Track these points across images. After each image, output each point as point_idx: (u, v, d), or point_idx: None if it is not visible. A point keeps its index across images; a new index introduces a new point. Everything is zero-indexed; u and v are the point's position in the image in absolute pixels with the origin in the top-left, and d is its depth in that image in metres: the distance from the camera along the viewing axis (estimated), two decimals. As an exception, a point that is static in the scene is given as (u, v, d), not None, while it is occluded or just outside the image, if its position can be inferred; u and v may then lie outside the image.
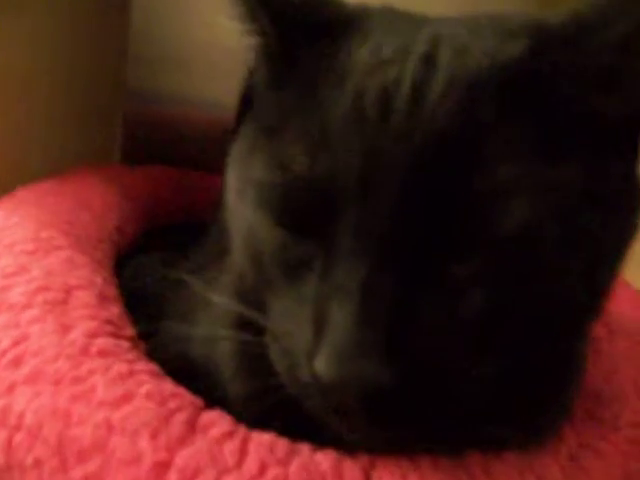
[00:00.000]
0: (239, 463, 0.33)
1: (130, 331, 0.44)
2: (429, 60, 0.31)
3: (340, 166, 0.30)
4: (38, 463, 0.35)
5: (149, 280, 0.59)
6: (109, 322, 0.43)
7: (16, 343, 0.39)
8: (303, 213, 0.31)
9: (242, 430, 0.36)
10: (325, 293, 0.30)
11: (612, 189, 0.33)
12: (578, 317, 0.35)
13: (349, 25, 0.34)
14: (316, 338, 0.29)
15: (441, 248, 0.29)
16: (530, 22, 0.33)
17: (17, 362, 0.38)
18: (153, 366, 0.40)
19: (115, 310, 0.46)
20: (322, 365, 0.28)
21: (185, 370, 0.42)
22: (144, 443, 0.34)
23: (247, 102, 0.39)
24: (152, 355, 0.43)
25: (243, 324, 0.37)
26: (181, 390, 0.38)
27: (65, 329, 0.40)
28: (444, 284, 0.30)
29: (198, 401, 0.38)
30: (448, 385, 0.31)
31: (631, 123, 0.34)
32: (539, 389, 0.38)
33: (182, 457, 0.33)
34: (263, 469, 0.33)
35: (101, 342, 0.40)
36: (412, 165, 0.29)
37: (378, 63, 0.32)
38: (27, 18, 0.68)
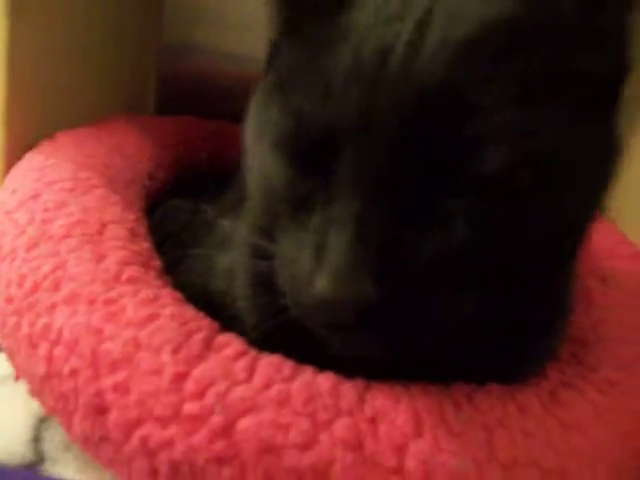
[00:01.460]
0: (248, 378, 0.38)
1: (157, 263, 0.49)
2: (425, 20, 0.34)
3: (341, 112, 0.33)
4: (74, 373, 0.40)
5: (176, 222, 0.63)
6: (139, 254, 0.48)
7: (56, 268, 0.44)
8: (310, 153, 0.35)
9: (253, 351, 0.41)
10: (325, 224, 0.34)
11: (590, 138, 0.36)
12: (557, 255, 0.38)
13: None
14: (316, 262, 0.33)
15: (428, 185, 0.33)
16: None
17: (56, 285, 0.43)
18: (177, 293, 0.45)
19: (144, 245, 0.50)
20: (321, 284, 0.32)
21: (206, 302, 0.46)
22: (166, 357, 0.38)
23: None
24: (176, 288, 0.48)
25: (258, 254, 0.41)
26: (201, 314, 0.43)
27: (99, 257, 0.45)
28: (432, 217, 0.33)
29: (215, 325, 0.43)
30: (432, 308, 0.34)
31: (612, 78, 0.36)
32: (522, 328, 0.41)
33: (199, 370, 0.38)
34: (269, 384, 0.38)
35: (131, 270, 0.45)
36: (405, 112, 0.32)
37: (377, 22, 0.34)
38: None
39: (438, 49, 0.32)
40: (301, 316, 0.36)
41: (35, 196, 0.51)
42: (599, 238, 0.70)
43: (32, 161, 0.59)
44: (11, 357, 0.46)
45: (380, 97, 0.32)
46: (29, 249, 0.46)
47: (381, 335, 0.34)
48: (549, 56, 0.34)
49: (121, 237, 0.48)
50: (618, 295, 0.58)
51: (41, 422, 0.50)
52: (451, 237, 0.33)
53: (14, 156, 0.63)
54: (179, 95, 1.07)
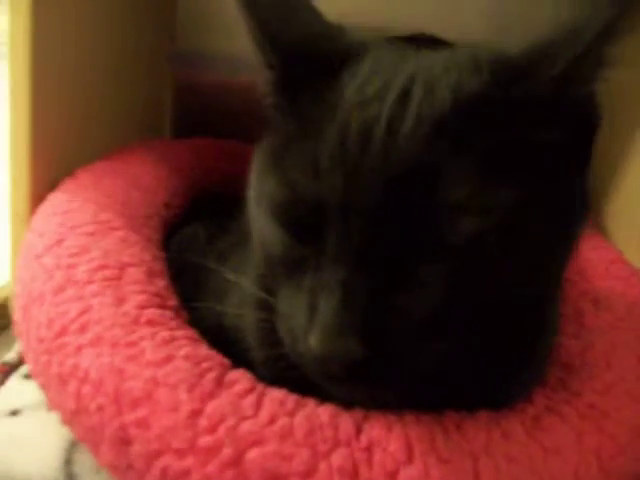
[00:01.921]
0: (255, 413, 0.42)
1: (174, 302, 0.53)
2: (404, 98, 0.37)
3: (328, 188, 0.37)
4: (100, 408, 0.44)
5: (192, 255, 0.67)
6: (156, 295, 0.52)
7: (81, 313, 0.48)
8: (302, 224, 0.39)
9: (260, 387, 0.45)
10: (316, 287, 0.38)
11: (558, 202, 0.39)
12: (529, 301, 0.41)
13: (344, 62, 0.40)
14: (309, 321, 0.37)
15: (406, 253, 0.37)
16: (493, 55, 0.39)
17: (82, 328, 0.48)
18: (191, 332, 0.50)
19: (161, 283, 0.55)
20: (313, 342, 0.36)
21: (221, 338, 0.51)
22: (182, 395, 0.43)
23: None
24: (194, 325, 0.52)
25: (262, 305, 0.45)
26: (213, 353, 0.47)
27: (120, 301, 0.50)
28: (412, 280, 0.37)
29: (226, 362, 0.47)
30: (414, 357, 0.38)
31: (577, 145, 0.40)
32: (506, 358, 0.45)
33: (211, 407, 0.42)
34: (274, 419, 0.42)
35: (149, 313, 0.49)
36: (384, 189, 0.36)
37: (362, 101, 0.38)
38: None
39: (414, 128, 0.36)
40: (299, 365, 0.40)
41: (60, 241, 0.55)
42: (595, 256, 0.73)
43: (55, 203, 0.63)
44: (44, 390, 0.51)
45: (362, 175, 0.36)
46: (56, 293, 0.50)
47: (370, 385, 0.38)
48: (516, 129, 0.37)
49: (139, 280, 0.52)
50: (609, 317, 0.60)
51: (72, 446, 0.55)
52: (429, 297, 0.37)
53: (39, 191, 0.67)
54: (195, 106, 1.09)
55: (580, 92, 0.38)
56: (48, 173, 0.69)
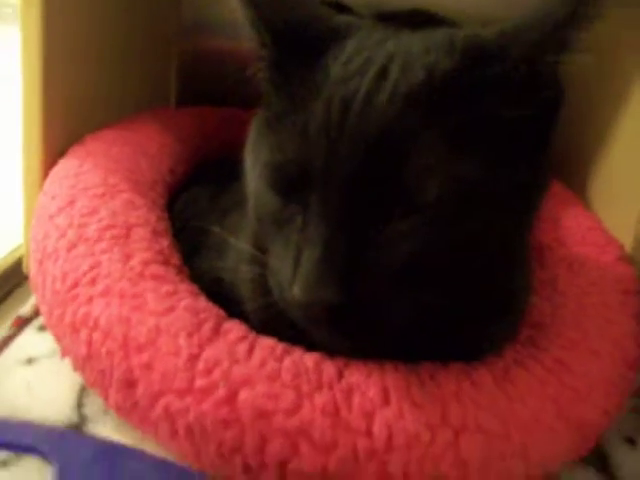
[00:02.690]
0: (247, 358, 0.47)
1: (176, 259, 0.58)
2: (382, 74, 0.41)
3: (313, 156, 0.41)
4: (110, 353, 0.49)
5: (193, 212, 0.72)
6: (160, 252, 0.57)
7: (92, 267, 0.53)
8: (290, 185, 0.43)
9: (252, 335, 0.49)
10: (301, 243, 0.42)
11: (522, 174, 0.42)
12: (495, 261, 0.46)
13: (330, 43, 0.44)
14: (294, 272, 0.42)
15: (380, 213, 0.41)
16: (468, 36, 0.42)
17: (93, 282, 0.52)
18: (192, 287, 0.54)
19: (165, 243, 0.59)
20: (297, 290, 0.41)
21: (219, 291, 0.55)
22: (182, 341, 0.47)
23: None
24: (195, 280, 0.57)
25: (255, 260, 0.50)
26: (211, 305, 0.52)
27: (127, 257, 0.54)
28: (383, 237, 0.41)
29: (222, 313, 0.51)
30: (389, 306, 0.42)
31: (542, 121, 0.43)
32: (478, 315, 0.49)
33: (208, 352, 0.47)
34: (264, 363, 0.46)
35: (153, 268, 0.54)
36: (360, 156, 0.40)
37: (344, 77, 0.42)
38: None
39: (389, 100, 0.40)
40: (286, 311, 0.45)
41: (72, 202, 0.60)
42: (574, 224, 0.77)
43: (67, 167, 0.67)
44: (57, 340, 0.56)
45: (343, 141, 0.40)
46: (69, 250, 0.55)
47: (348, 331, 0.43)
48: (485, 106, 0.40)
49: (145, 238, 0.57)
50: (582, 282, 0.64)
51: (83, 390, 0.60)
52: (400, 252, 0.41)
53: (51, 157, 0.70)
54: (199, 73, 1.12)
55: (547, 74, 0.41)
56: (59, 140, 0.72)
